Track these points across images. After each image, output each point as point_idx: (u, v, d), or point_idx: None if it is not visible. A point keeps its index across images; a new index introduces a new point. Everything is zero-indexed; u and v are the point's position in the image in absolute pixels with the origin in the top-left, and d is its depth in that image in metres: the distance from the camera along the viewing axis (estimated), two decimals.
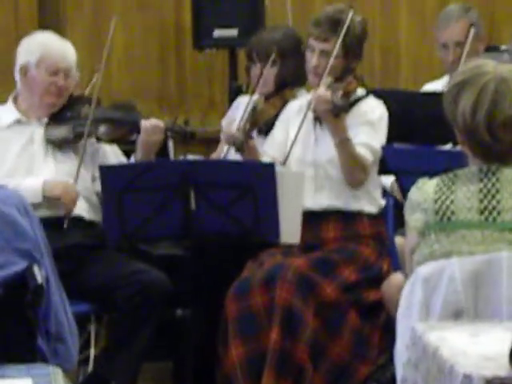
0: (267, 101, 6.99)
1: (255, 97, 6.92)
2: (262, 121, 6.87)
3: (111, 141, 6.73)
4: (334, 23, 6.59)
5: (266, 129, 6.88)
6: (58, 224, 6.36)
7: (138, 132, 6.62)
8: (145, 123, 6.62)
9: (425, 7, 8.71)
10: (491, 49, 7.16)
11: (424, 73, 8.06)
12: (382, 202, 6.74)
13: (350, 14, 6.57)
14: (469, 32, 7.27)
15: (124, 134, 6.72)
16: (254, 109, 6.82)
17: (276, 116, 6.90)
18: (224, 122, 7.02)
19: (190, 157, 6.88)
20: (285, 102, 6.94)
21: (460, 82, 4.62)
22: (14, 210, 4.22)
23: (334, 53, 6.49)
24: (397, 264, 6.07)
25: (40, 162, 6.62)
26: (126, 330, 6.42)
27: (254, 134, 6.82)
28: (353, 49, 6.60)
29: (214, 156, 7.23)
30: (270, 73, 7.00)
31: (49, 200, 6.45)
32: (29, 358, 3.99)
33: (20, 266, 4.15)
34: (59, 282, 4.32)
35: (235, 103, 7.58)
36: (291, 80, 7.05)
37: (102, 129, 6.66)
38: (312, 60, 6.63)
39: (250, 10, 8.00)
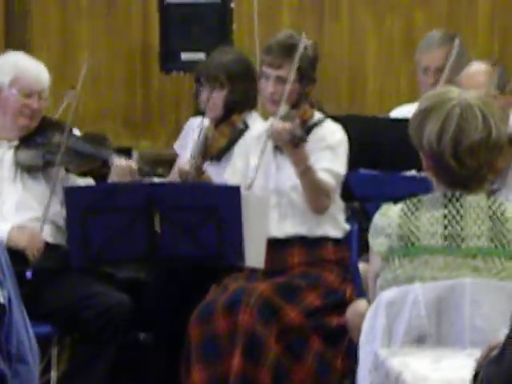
0: (216, 128, 6.95)
1: (205, 123, 6.93)
2: (213, 151, 6.87)
3: (80, 174, 6.72)
4: (287, 49, 6.58)
5: (218, 157, 6.88)
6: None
7: (109, 167, 6.63)
8: (116, 162, 6.62)
9: (391, 37, 8.73)
10: None
11: (390, 101, 8.05)
12: (347, 226, 6.75)
13: (303, 39, 6.56)
14: (449, 58, 7.31)
15: (93, 168, 6.71)
16: (205, 139, 6.82)
17: (227, 144, 6.90)
18: (177, 163, 7.04)
19: (156, 180, 6.87)
20: (234, 128, 6.92)
21: (426, 108, 4.64)
22: None
23: (292, 77, 6.48)
24: (360, 290, 6.08)
25: (9, 185, 6.61)
26: (87, 353, 6.42)
27: (208, 165, 6.85)
28: (307, 73, 6.60)
29: (171, 176, 7.21)
30: (218, 96, 6.98)
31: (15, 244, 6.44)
32: None
33: None
34: (21, 303, 4.30)
35: (186, 126, 7.61)
36: (240, 104, 7.01)
37: (72, 161, 6.65)
38: (268, 87, 6.61)
39: (217, 34, 8.00)
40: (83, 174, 6.75)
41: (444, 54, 7.44)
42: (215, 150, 6.92)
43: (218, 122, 6.98)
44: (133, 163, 6.66)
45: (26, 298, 4.55)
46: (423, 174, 4.83)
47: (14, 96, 6.60)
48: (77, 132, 6.85)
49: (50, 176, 6.59)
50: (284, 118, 6.42)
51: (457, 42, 7.50)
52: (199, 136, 6.84)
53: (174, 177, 7.14)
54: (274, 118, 6.48)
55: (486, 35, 8.76)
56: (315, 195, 6.52)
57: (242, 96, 7.01)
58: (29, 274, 6.30)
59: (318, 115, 6.69)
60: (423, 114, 4.62)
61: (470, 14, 8.80)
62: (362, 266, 5.98)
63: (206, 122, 6.95)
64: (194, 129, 7.21)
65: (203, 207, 6.29)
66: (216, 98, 6.96)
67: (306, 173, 6.44)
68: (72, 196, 6.41)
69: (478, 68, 6.81)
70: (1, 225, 6.44)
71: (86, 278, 6.56)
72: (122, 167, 6.61)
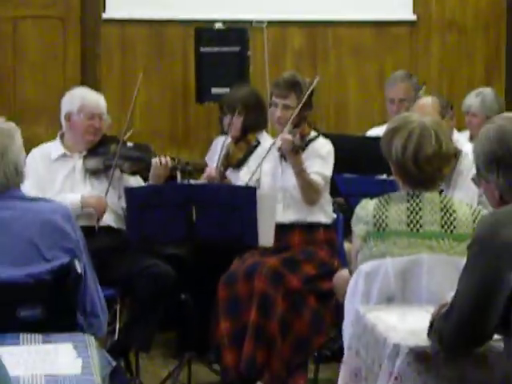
0: (236, 145, 6.94)
1: (228, 141, 6.91)
2: (233, 162, 6.87)
3: (131, 173, 6.71)
4: (290, 84, 6.58)
5: (237, 166, 6.88)
6: (92, 231, 6.34)
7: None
8: (155, 160, 6.62)
9: (367, 76, 8.70)
10: None
11: (366, 123, 8.01)
12: (334, 215, 6.74)
13: (307, 79, 6.58)
14: (409, 92, 7.30)
15: (141, 169, 6.69)
16: (227, 154, 6.83)
17: (244, 156, 6.89)
18: (206, 170, 7.01)
19: (192, 182, 6.86)
20: (249, 145, 6.93)
21: (393, 128, 4.65)
22: (60, 218, 4.20)
23: (297, 110, 6.48)
24: (344, 262, 6.08)
25: (80, 185, 6.58)
26: (142, 310, 6.40)
27: (229, 172, 6.83)
28: (307, 104, 6.60)
29: (203, 178, 7.21)
30: (237, 121, 6.98)
31: (85, 211, 6.45)
32: (70, 328, 3.97)
33: (64, 260, 4.13)
34: (94, 272, 4.30)
35: (214, 142, 7.59)
36: (253, 127, 7.00)
37: (125, 164, 6.65)
38: (276, 113, 6.61)
39: (237, 74, 7.97)
40: (134, 174, 6.75)
41: (405, 88, 7.43)
42: (235, 161, 6.91)
43: (237, 140, 6.96)
44: (169, 161, 6.65)
45: (97, 268, 4.55)
46: (391, 177, 4.82)
47: (81, 119, 6.58)
48: (129, 143, 6.84)
49: (109, 176, 6.59)
50: (289, 132, 6.44)
51: (414, 80, 7.51)
52: (222, 150, 6.85)
53: (206, 177, 7.13)
54: (282, 133, 6.48)
55: (437, 76, 8.73)
56: (307, 191, 6.50)
57: (254, 120, 7.00)
58: (96, 228, 6.38)
59: (313, 133, 6.69)
60: (391, 133, 4.63)
61: (426, 59, 8.77)
62: (346, 245, 5.98)
63: (228, 139, 6.94)
64: (219, 145, 7.20)
65: (228, 202, 6.27)
66: (235, 123, 6.96)
67: (300, 173, 6.43)
68: (130, 193, 6.40)
69: (426, 100, 6.81)
70: (73, 195, 6.43)
71: (140, 253, 6.53)
72: (159, 164, 6.60)
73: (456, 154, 6.55)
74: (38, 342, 3.72)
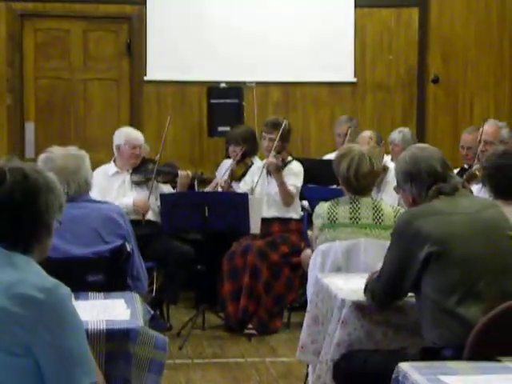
0: (238, 165, 6.94)
1: (233, 163, 6.89)
2: (236, 176, 6.86)
3: (164, 182, 6.70)
4: (274, 124, 6.59)
5: (239, 179, 6.86)
6: (139, 223, 6.32)
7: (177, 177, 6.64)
8: (180, 173, 6.61)
9: (324, 119, 8.68)
10: None
11: (323, 151, 8.00)
12: (302, 213, 6.74)
13: (285, 121, 6.58)
14: (349, 130, 7.29)
15: (170, 179, 6.69)
16: (232, 171, 6.83)
17: (243, 173, 6.87)
18: (217, 181, 6.98)
19: (205, 190, 6.85)
20: (246, 165, 6.92)
21: (341, 155, 4.66)
22: (115, 214, 4.19)
23: (277, 141, 6.49)
24: (308, 244, 6.06)
25: (129, 193, 6.58)
26: (171, 276, 6.39)
27: (233, 183, 6.80)
28: (285, 137, 6.59)
29: (210, 187, 7.17)
30: (238, 150, 6.96)
31: (135, 210, 6.43)
32: (122, 289, 3.96)
33: (118, 242, 4.12)
34: (138, 251, 4.29)
35: (221, 164, 7.58)
36: (249, 153, 6.97)
37: (160, 177, 6.65)
38: (265, 143, 6.62)
39: (235, 118, 7.93)
40: (165, 183, 6.73)
41: (347, 127, 7.40)
42: (237, 176, 6.91)
43: (238, 162, 6.96)
44: (189, 173, 6.67)
45: (141, 248, 4.54)
46: (339, 187, 4.81)
47: (126, 150, 6.59)
48: (161, 163, 6.84)
49: (149, 186, 6.57)
50: (274, 157, 6.44)
51: (354, 121, 7.49)
52: (228, 169, 6.83)
53: (212, 186, 7.12)
54: (268, 157, 6.47)
55: (370, 119, 8.72)
56: (285, 197, 6.53)
57: (249, 149, 6.98)
58: (143, 221, 6.40)
59: (289, 157, 6.69)
60: (340, 158, 4.63)
61: (363, 108, 8.76)
62: (309, 232, 5.95)
63: (232, 162, 6.92)
64: (225, 166, 7.19)
65: (230, 204, 6.27)
66: (237, 151, 6.95)
67: (281, 184, 6.46)
68: (164, 197, 6.41)
69: (365, 133, 6.81)
70: (125, 199, 6.44)
71: (170, 238, 6.54)
72: (183, 175, 6.60)
73: (385, 169, 6.58)
74: (100, 298, 3.71)
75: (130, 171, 6.63)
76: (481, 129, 6.33)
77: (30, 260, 2.46)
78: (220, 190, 6.79)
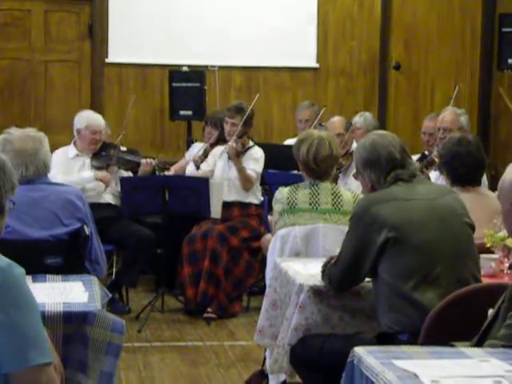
0: (211, 147, 6.86)
1: (207, 145, 6.87)
2: (207, 155, 6.82)
3: (126, 169, 6.67)
4: (236, 109, 6.58)
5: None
6: (98, 205, 6.30)
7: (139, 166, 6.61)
8: (143, 161, 6.59)
9: (286, 104, 8.70)
10: (320, 125, 7.15)
11: (284, 136, 8.01)
12: (262, 197, 6.75)
13: (249, 108, 6.57)
14: (312, 115, 7.26)
15: (132, 166, 6.67)
16: (205, 151, 6.79)
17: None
18: (188, 156, 6.98)
19: (166, 173, 6.83)
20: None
21: (300, 140, 4.65)
22: (74, 197, 4.16)
23: (240, 126, 6.49)
24: (268, 229, 6.08)
25: (88, 172, 6.54)
26: (131, 259, 6.39)
27: (189, 167, 6.79)
28: (247, 122, 6.58)
29: (175, 167, 7.15)
30: (215, 133, 6.91)
31: (95, 183, 6.44)
32: (80, 271, 3.94)
33: (77, 225, 4.10)
34: (97, 234, 4.27)
35: (191, 148, 7.52)
36: (223, 138, 6.80)
37: (120, 163, 6.62)
38: (227, 128, 6.61)
39: (197, 102, 7.90)
40: (127, 170, 6.70)
41: (309, 113, 7.35)
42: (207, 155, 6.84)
43: (212, 144, 6.84)
44: (153, 161, 6.62)
45: (101, 231, 4.53)
46: (300, 172, 4.81)
47: (87, 134, 6.54)
48: (123, 148, 6.81)
49: (109, 171, 6.54)
50: (234, 142, 6.43)
51: (316, 108, 7.47)
52: (202, 148, 6.77)
53: (182, 164, 7.12)
54: (230, 142, 6.45)
55: (333, 104, 8.73)
56: (244, 181, 6.55)
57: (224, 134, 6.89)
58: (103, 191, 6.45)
59: (251, 142, 6.70)
60: (299, 143, 4.63)
61: (325, 94, 8.79)
62: (269, 217, 5.97)
63: (207, 143, 6.87)
64: (196, 147, 7.12)
65: (190, 187, 6.27)
66: (213, 133, 6.93)
67: (240, 170, 6.47)
68: (124, 181, 6.39)
69: (336, 119, 6.81)
70: (86, 173, 6.44)
71: (130, 221, 6.52)
72: (147, 162, 6.57)
73: (352, 155, 6.59)
74: (58, 281, 3.70)
75: (91, 155, 6.59)
76: (440, 116, 6.38)
77: None
78: (192, 165, 6.74)
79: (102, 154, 6.60)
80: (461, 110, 6.62)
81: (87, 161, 6.57)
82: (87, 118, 6.59)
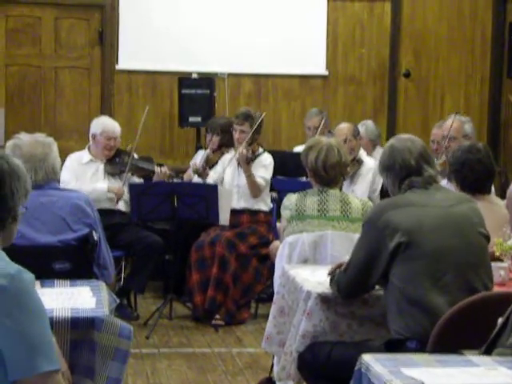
0: (214, 153, 6.91)
1: (208, 151, 6.88)
2: (211, 163, 6.83)
3: (139, 177, 6.68)
4: (245, 116, 6.57)
5: (212, 166, 6.83)
6: (110, 211, 6.35)
7: (153, 173, 6.62)
8: (157, 171, 6.60)
9: (295, 112, 8.68)
10: (329, 133, 7.13)
11: (292, 144, 7.99)
12: (271, 204, 6.74)
13: (259, 114, 6.56)
14: (321, 123, 7.26)
15: (146, 174, 6.67)
16: (207, 157, 6.80)
17: (217, 161, 6.85)
18: (192, 163, 6.98)
19: (175, 180, 6.83)
20: (222, 154, 6.87)
21: (309, 146, 4.64)
22: (83, 203, 4.16)
23: (250, 135, 6.48)
24: (277, 236, 6.05)
25: (101, 182, 6.55)
26: (139, 265, 6.37)
27: (207, 169, 6.79)
28: (257, 130, 6.58)
29: (185, 176, 7.14)
30: (215, 139, 6.93)
31: (109, 195, 6.44)
32: (88, 277, 3.94)
33: (85, 231, 4.10)
34: (105, 239, 4.26)
35: (196, 154, 7.52)
36: (226, 144, 6.90)
37: (134, 170, 6.62)
38: (235, 135, 6.60)
39: (207, 109, 7.91)
40: (140, 178, 6.71)
41: (317, 120, 7.36)
42: (212, 163, 6.84)
43: (214, 151, 6.89)
44: (166, 170, 6.63)
45: (111, 237, 4.53)
46: (308, 179, 4.80)
47: (102, 140, 6.55)
48: (136, 155, 6.81)
49: (122, 177, 6.55)
50: (244, 149, 6.43)
51: (324, 114, 7.46)
52: (204, 156, 6.79)
53: (188, 173, 7.09)
54: (240, 149, 6.45)
55: (341, 112, 8.72)
56: (253, 189, 6.52)
57: (227, 140, 6.83)
58: (115, 205, 6.38)
59: (260, 149, 6.69)
60: (308, 149, 4.62)
61: (334, 101, 8.78)
62: (278, 224, 5.95)
63: (208, 150, 6.88)
64: (200, 154, 7.15)
65: (199, 194, 6.26)
66: (214, 140, 6.90)
67: (249, 176, 6.45)
68: (133, 187, 6.38)
69: (343, 125, 6.78)
70: (99, 184, 6.41)
71: (139, 228, 6.51)
72: (160, 172, 6.59)
73: (359, 162, 6.60)
74: (66, 286, 3.69)
75: (105, 161, 6.61)
76: (446, 123, 6.36)
77: None
78: (191, 173, 6.76)
79: (115, 160, 6.61)
80: (466, 118, 6.59)
81: (101, 167, 6.58)
82: (103, 124, 6.60)
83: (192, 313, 6.41)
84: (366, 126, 7.35)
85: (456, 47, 8.86)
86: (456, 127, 6.31)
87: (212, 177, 6.69)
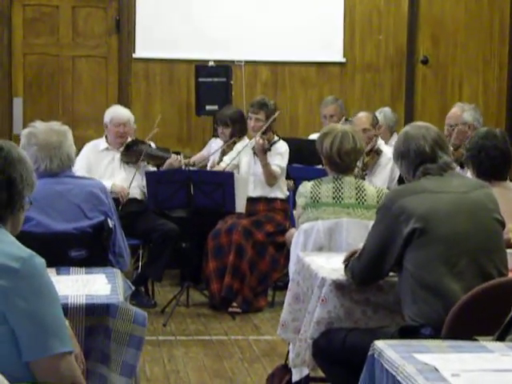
0: (227, 146, 6.89)
1: (223, 145, 6.88)
2: (225, 154, 6.83)
3: (154, 165, 6.71)
4: (260, 104, 6.58)
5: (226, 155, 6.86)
6: (127, 201, 6.42)
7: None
8: (172, 157, 6.63)
9: (312, 100, 8.66)
10: (347, 121, 7.12)
11: (309, 131, 7.96)
12: (287, 192, 6.75)
13: (277, 112, 6.59)
14: (336, 111, 7.25)
15: (161, 163, 6.69)
16: (223, 152, 6.81)
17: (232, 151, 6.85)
18: (210, 164, 6.95)
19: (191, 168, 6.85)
20: (234, 144, 6.84)
21: (324, 133, 4.63)
22: (98, 190, 4.18)
23: (267, 124, 6.50)
24: (294, 224, 6.05)
25: (118, 171, 6.61)
26: (156, 253, 6.40)
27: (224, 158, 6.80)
28: (272, 118, 6.58)
29: (196, 157, 7.20)
30: (226, 131, 6.90)
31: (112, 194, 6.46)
32: (104, 264, 3.96)
33: (101, 218, 4.11)
34: (120, 227, 4.27)
35: (209, 142, 7.55)
36: (238, 134, 6.87)
37: (150, 158, 6.66)
38: (251, 123, 6.61)
39: (224, 97, 7.90)
40: (156, 166, 6.74)
41: (333, 108, 7.35)
42: (226, 153, 6.86)
43: (226, 142, 6.91)
44: (179, 157, 6.65)
45: (127, 225, 4.55)
46: (323, 167, 4.79)
47: (112, 128, 6.61)
48: (153, 144, 6.84)
49: (138, 166, 6.57)
50: (260, 138, 6.43)
51: (340, 102, 7.44)
52: (219, 150, 6.85)
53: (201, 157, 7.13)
54: (255, 137, 6.44)
55: (359, 100, 8.70)
56: (269, 177, 6.55)
57: (238, 130, 6.89)
58: (120, 207, 6.21)
59: (276, 137, 6.69)
60: (323, 136, 4.60)
61: (351, 89, 8.76)
62: (294, 212, 5.95)
63: (223, 144, 6.89)
64: (213, 143, 7.19)
65: (215, 182, 6.27)
66: (226, 132, 6.91)
67: (265, 165, 6.46)
68: (149, 175, 6.40)
69: (362, 114, 6.73)
70: (107, 182, 6.41)
71: (156, 216, 6.54)
72: (175, 159, 6.59)
73: (378, 153, 6.56)
74: (81, 273, 3.71)
75: (121, 149, 6.63)
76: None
77: (4, 231, 2.48)
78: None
79: (132, 148, 6.65)
80: (469, 106, 6.54)
81: (117, 156, 6.63)
82: (113, 112, 6.69)
83: (209, 300, 6.43)
84: (384, 113, 7.35)
85: (474, 33, 8.81)
86: (453, 115, 6.35)
87: (225, 161, 6.69)
